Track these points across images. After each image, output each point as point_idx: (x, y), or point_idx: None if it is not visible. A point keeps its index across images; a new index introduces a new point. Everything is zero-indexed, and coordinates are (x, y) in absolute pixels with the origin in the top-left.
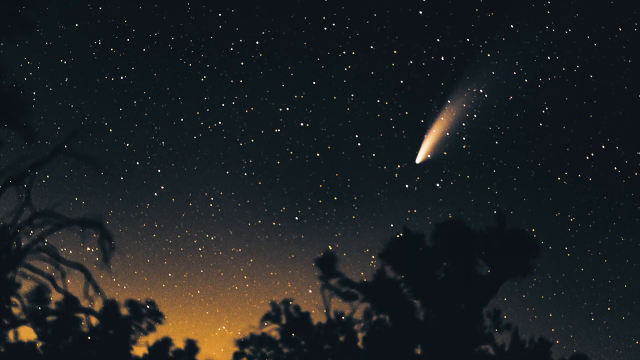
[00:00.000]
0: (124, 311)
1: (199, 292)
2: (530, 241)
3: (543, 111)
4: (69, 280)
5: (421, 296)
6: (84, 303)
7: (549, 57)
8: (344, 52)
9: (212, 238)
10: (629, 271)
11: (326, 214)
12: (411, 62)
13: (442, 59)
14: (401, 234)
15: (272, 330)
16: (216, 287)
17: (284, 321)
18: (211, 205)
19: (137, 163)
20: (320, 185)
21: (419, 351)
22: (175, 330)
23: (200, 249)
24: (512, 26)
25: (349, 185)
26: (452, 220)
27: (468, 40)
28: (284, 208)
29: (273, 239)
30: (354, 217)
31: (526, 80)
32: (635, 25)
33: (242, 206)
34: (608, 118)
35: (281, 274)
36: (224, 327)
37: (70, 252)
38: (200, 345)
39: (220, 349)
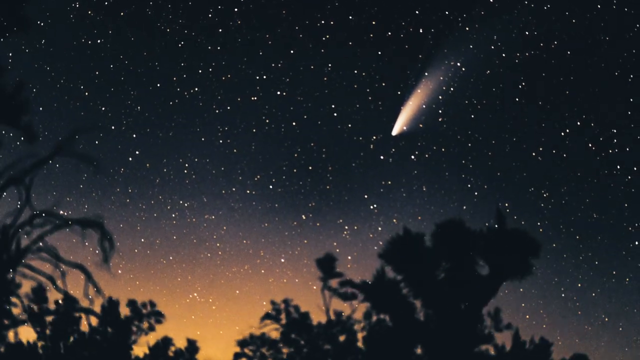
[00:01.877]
0: (125, 311)
1: (171, 258)
2: (530, 241)
3: (520, 86)
4: (69, 281)
5: (421, 296)
6: (85, 303)
7: (527, 33)
8: (323, 22)
9: (186, 205)
10: (600, 248)
11: (300, 183)
12: (390, 33)
13: (421, 31)
14: (401, 234)
15: (272, 330)
16: (188, 254)
17: (283, 321)
18: (186, 171)
19: (113, 127)
20: (296, 155)
21: (419, 351)
22: (144, 288)
23: (173, 215)
24: (491, 0)
25: (324, 155)
26: (452, 220)
27: (447, 13)
28: (258, 176)
29: (247, 207)
30: (328, 187)
31: (504, 55)
32: (614, 2)
33: (216, 173)
34: (584, 95)
35: (254, 243)
36: (195, 295)
37: (70, 252)
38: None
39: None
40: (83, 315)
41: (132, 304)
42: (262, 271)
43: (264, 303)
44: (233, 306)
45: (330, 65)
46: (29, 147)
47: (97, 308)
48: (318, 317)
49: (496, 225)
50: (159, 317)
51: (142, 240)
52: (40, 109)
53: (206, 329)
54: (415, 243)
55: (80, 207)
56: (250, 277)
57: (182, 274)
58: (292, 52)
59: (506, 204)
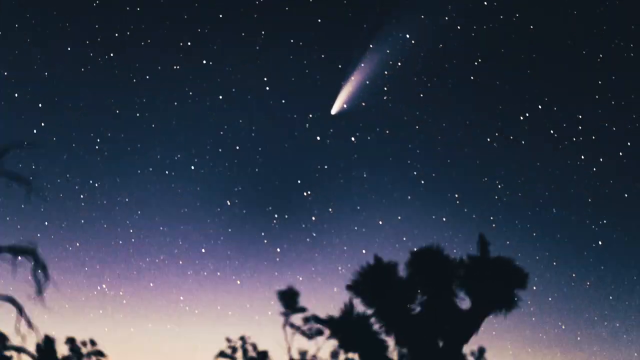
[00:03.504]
0: (63, 349)
1: (78, 245)
2: (516, 271)
3: (476, 63)
4: None
5: (394, 332)
6: (16, 341)
7: (485, 3)
8: None
9: (97, 185)
10: (559, 245)
11: (226, 164)
12: None
13: None
14: (371, 263)
15: None
16: (97, 240)
17: None
18: (97, 147)
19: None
20: (221, 132)
21: None
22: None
23: (82, 197)
24: None
25: (253, 134)
26: (429, 247)
27: None
28: (178, 155)
29: (165, 190)
30: (256, 170)
31: (459, 27)
32: None
33: (132, 151)
34: (547, 75)
35: (171, 230)
36: (104, 286)
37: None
38: None
39: None
40: (15, 355)
41: (70, 341)
42: (180, 262)
43: (181, 298)
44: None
45: (263, 32)
46: None
47: (30, 346)
48: (279, 356)
49: (478, 253)
50: (100, 356)
51: (46, 223)
52: None
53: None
54: (387, 273)
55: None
56: (166, 267)
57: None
58: (220, 16)
59: (455, 195)
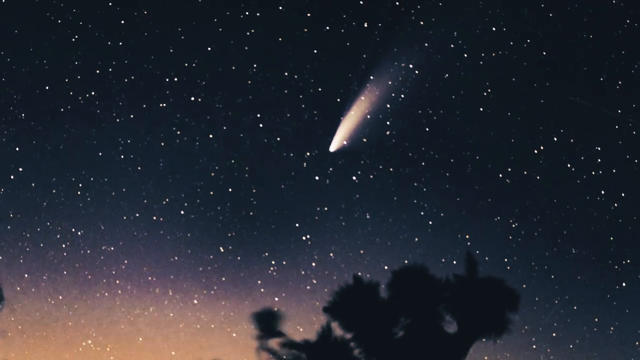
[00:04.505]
0: None
1: (60, 297)
2: (507, 292)
3: (485, 93)
4: None
5: (375, 358)
6: None
7: (494, 28)
8: (247, 13)
9: (79, 233)
10: (580, 287)
11: (218, 208)
12: (327, 27)
13: (366, 25)
14: (350, 283)
15: None
16: (82, 292)
17: None
18: (79, 193)
19: None
20: (213, 174)
21: None
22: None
23: (64, 246)
24: None
25: (247, 175)
26: (412, 267)
27: (397, 3)
28: (167, 200)
29: (153, 236)
30: (252, 213)
31: (466, 55)
32: None
33: (116, 195)
34: (563, 105)
35: (161, 279)
36: (89, 342)
37: None
38: None
39: None
40: None
41: None
42: (171, 314)
43: (173, 353)
44: (135, 357)
45: (255, 65)
46: None
47: None
48: None
49: (466, 273)
50: None
51: (26, 275)
52: None
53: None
54: (368, 294)
55: None
56: (156, 320)
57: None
58: (209, 49)
59: (466, 236)
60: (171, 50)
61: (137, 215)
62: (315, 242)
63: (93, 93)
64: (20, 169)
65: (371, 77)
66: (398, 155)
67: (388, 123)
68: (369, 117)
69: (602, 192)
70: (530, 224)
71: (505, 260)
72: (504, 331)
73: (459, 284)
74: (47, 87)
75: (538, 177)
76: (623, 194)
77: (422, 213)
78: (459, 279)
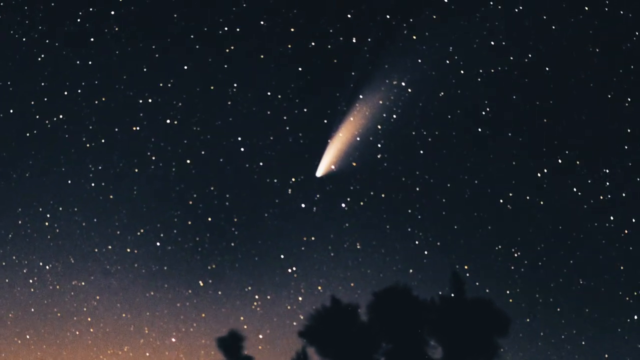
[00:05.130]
0: None
1: (28, 337)
2: (496, 315)
3: (483, 112)
4: None
5: None
6: None
7: (492, 43)
8: (226, 29)
9: (48, 267)
10: (588, 321)
11: (197, 239)
12: (313, 44)
13: (354, 40)
14: (328, 305)
15: None
16: (51, 331)
17: None
18: (47, 224)
19: None
20: (190, 202)
21: None
22: None
23: (31, 281)
24: (445, 0)
25: (227, 203)
26: (395, 287)
27: (388, 17)
28: (141, 230)
29: (127, 270)
30: (232, 244)
31: (462, 72)
32: (606, 2)
33: (87, 226)
34: (568, 124)
35: (136, 316)
36: None
37: None
38: None
39: None
40: None
41: None
42: (147, 354)
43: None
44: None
45: (235, 85)
46: None
47: None
48: None
49: (452, 294)
50: None
51: None
52: None
53: None
54: (347, 317)
55: None
56: None
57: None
58: (185, 67)
59: (465, 267)
60: (145, 70)
61: (110, 247)
62: (301, 274)
63: (61, 116)
64: None
65: (360, 96)
66: (390, 180)
67: (379, 145)
68: (358, 139)
69: (612, 218)
70: (534, 253)
71: (507, 292)
72: (493, 358)
73: (445, 305)
74: (10, 110)
75: (542, 203)
76: (634, 220)
77: (416, 242)
78: (445, 300)
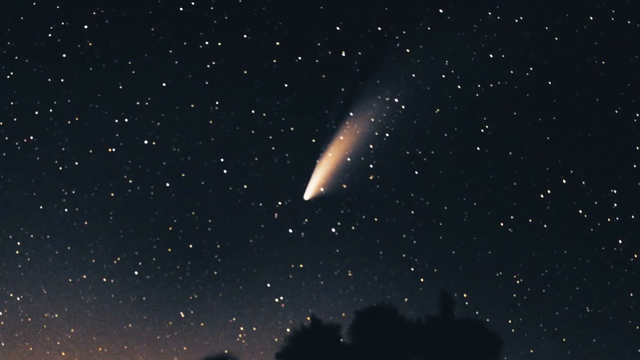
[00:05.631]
0: None
1: None
2: (487, 336)
3: (482, 130)
4: None
5: None
6: None
7: (491, 55)
8: (207, 43)
9: (18, 298)
10: (597, 352)
11: (177, 267)
12: (300, 58)
13: (343, 54)
14: (307, 325)
15: None
16: None
17: None
18: (17, 252)
19: None
20: (170, 228)
21: None
22: None
23: (1, 314)
24: (441, 10)
25: (209, 229)
26: (379, 307)
27: (380, 29)
28: (118, 259)
29: (103, 301)
30: (215, 272)
31: (459, 87)
32: (612, 12)
33: (60, 255)
34: (572, 141)
35: (114, 350)
36: None
37: None
38: None
39: None
40: None
41: None
42: None
43: None
44: None
45: (217, 102)
46: None
47: None
48: None
49: (440, 314)
50: None
51: None
52: None
53: None
54: (327, 338)
55: None
56: None
57: None
58: (164, 85)
59: (464, 295)
60: (120, 87)
61: (84, 277)
62: (289, 304)
63: (31, 137)
64: None
65: (351, 114)
66: (383, 203)
67: (371, 166)
68: (349, 159)
69: (620, 242)
70: (537, 279)
71: (510, 321)
72: None
73: (432, 326)
74: None
75: (545, 226)
76: None
77: (412, 269)
78: (432, 320)
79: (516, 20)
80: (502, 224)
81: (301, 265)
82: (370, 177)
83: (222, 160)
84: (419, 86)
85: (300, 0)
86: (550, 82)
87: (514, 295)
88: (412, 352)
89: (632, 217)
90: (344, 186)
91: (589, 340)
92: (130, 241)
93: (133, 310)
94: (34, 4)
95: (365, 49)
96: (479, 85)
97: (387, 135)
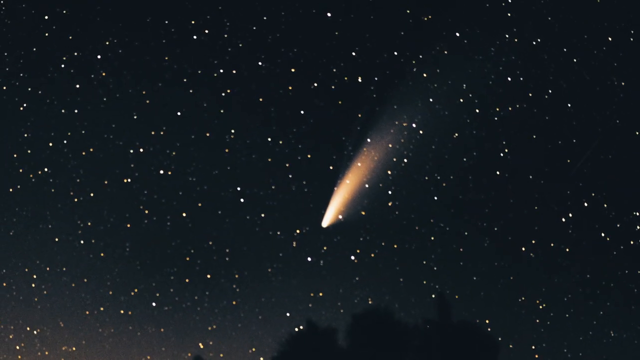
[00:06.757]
0: None
1: None
2: (484, 338)
3: (501, 154)
4: None
5: None
6: None
7: (509, 79)
8: (221, 71)
9: (35, 332)
10: None
11: (196, 298)
12: (316, 84)
13: (360, 80)
14: (303, 328)
15: None
16: None
17: None
18: (34, 285)
19: None
20: (188, 258)
21: None
22: None
23: (18, 348)
24: (457, 34)
25: (227, 258)
26: (376, 309)
27: (396, 54)
28: (136, 290)
29: (121, 333)
30: (234, 302)
31: (477, 111)
32: (631, 32)
33: (77, 287)
34: (594, 164)
35: None
36: None
37: None
38: None
39: None
40: None
41: None
42: None
43: None
44: None
45: (232, 131)
46: None
47: None
48: None
49: (437, 317)
50: None
51: None
52: None
53: None
54: (323, 342)
55: None
56: None
57: None
58: (178, 113)
59: (486, 321)
60: (135, 117)
61: (102, 309)
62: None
63: (46, 169)
64: None
65: (368, 140)
66: (403, 229)
67: (390, 192)
68: (367, 186)
69: None
70: (560, 304)
71: (533, 347)
72: None
73: (431, 330)
74: None
75: (567, 250)
76: None
77: (433, 296)
78: (431, 325)
79: (534, 43)
80: (523, 249)
81: (320, 294)
82: (389, 204)
83: (238, 189)
84: (437, 111)
85: (315, 26)
86: (569, 105)
87: (537, 321)
88: (410, 357)
89: None
90: (363, 213)
91: None
92: (148, 272)
93: (152, 342)
94: (47, 34)
95: (382, 75)
96: (497, 109)
97: (405, 160)
